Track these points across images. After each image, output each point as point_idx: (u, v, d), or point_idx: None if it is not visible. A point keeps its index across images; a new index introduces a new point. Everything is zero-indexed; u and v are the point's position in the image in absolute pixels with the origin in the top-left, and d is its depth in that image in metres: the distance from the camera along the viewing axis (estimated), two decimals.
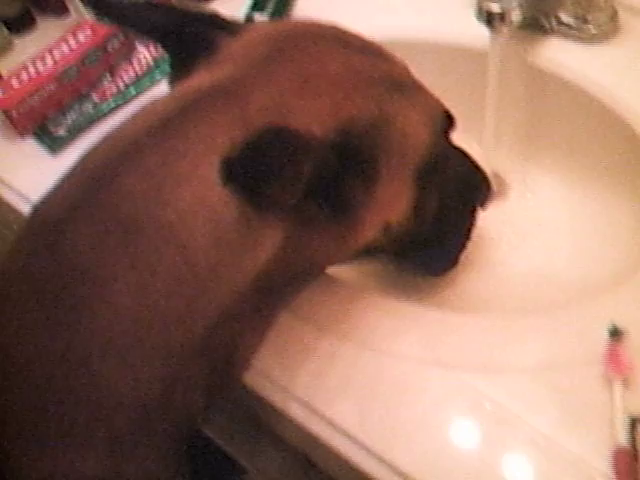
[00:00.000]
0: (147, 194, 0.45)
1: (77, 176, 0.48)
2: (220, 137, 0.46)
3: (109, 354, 0.44)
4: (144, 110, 0.50)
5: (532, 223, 0.79)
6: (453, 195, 0.64)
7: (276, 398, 0.57)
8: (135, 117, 0.50)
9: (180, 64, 0.56)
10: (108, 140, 0.49)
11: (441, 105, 0.60)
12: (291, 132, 0.45)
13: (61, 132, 0.85)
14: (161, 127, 0.47)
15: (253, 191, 0.45)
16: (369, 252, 0.60)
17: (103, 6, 0.58)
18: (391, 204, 0.56)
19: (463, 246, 0.71)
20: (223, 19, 0.58)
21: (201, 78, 0.51)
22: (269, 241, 0.48)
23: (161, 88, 0.86)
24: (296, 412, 0.56)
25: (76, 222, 0.45)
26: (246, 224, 0.46)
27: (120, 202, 0.45)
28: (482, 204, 0.70)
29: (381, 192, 0.53)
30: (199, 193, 0.45)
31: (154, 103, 0.50)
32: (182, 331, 0.46)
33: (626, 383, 0.50)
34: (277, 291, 0.53)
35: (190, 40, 0.55)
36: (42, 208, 0.48)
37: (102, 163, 0.47)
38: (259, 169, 0.43)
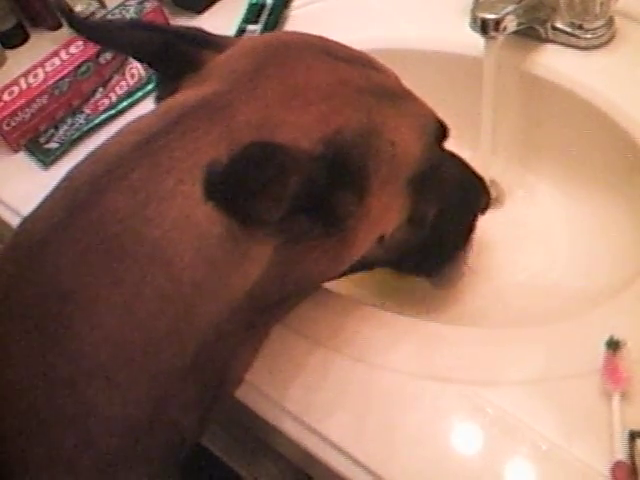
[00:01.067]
0: (131, 211, 0.44)
1: (61, 194, 0.47)
2: (206, 153, 0.45)
3: (95, 376, 0.43)
4: (129, 126, 0.49)
5: (529, 231, 0.79)
6: (451, 203, 0.63)
7: (269, 413, 0.56)
8: (119, 133, 0.49)
9: (166, 81, 0.56)
10: (92, 157, 0.48)
11: (433, 114, 0.59)
12: (276, 147, 0.44)
13: (53, 145, 0.85)
14: (145, 143, 0.46)
15: (236, 208, 0.44)
16: (366, 264, 0.59)
17: (86, 27, 0.58)
18: (384, 215, 0.55)
19: (464, 253, 0.70)
20: (209, 35, 0.58)
21: (186, 94, 0.51)
22: (258, 258, 0.47)
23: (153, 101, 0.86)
24: (289, 427, 0.55)
25: (59, 242, 0.44)
26: (233, 241, 0.45)
27: (104, 220, 0.44)
28: (482, 211, 0.69)
29: (373, 204, 0.52)
30: (184, 210, 0.44)
31: (139, 119, 0.50)
32: (170, 350, 0.45)
33: (625, 396, 0.49)
34: (270, 307, 0.52)
35: (175, 57, 0.55)
36: (26, 227, 0.47)
37: (86, 180, 0.46)
38: (242, 185, 0.42)
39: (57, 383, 0.42)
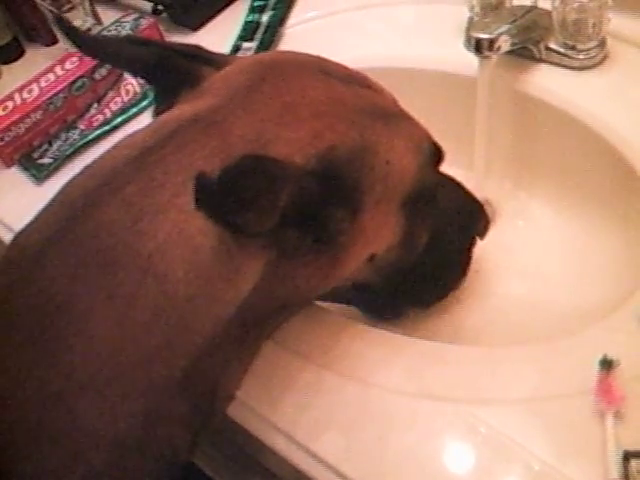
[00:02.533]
0: (125, 224, 0.44)
1: (56, 207, 0.47)
2: (200, 167, 0.45)
3: (86, 389, 0.42)
4: (124, 140, 0.50)
5: (523, 250, 0.79)
6: (447, 226, 0.63)
7: (259, 430, 0.56)
8: (115, 147, 0.49)
9: (163, 97, 0.56)
10: (87, 170, 0.49)
11: (428, 135, 0.59)
12: (268, 159, 0.44)
13: (46, 160, 0.85)
14: (140, 157, 0.46)
15: (226, 217, 0.44)
16: (356, 286, 0.59)
17: (84, 42, 0.59)
18: (376, 234, 0.55)
19: (460, 278, 0.70)
20: (206, 52, 0.58)
21: (182, 108, 0.51)
22: (250, 271, 0.47)
23: (148, 117, 0.86)
24: (280, 445, 0.54)
25: (53, 254, 0.44)
26: (226, 255, 0.45)
27: (98, 233, 0.44)
28: (480, 235, 0.69)
29: (365, 222, 0.52)
30: (178, 223, 0.44)
31: (134, 133, 0.50)
32: (163, 364, 0.45)
33: (619, 415, 0.49)
34: (261, 322, 0.52)
35: (173, 73, 0.55)
36: (20, 240, 0.47)
37: (80, 194, 0.46)
38: (233, 195, 0.42)
39: (48, 396, 0.42)
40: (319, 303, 0.60)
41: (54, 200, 0.48)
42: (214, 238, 0.44)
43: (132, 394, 0.44)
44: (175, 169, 0.45)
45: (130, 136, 0.50)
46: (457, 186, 0.66)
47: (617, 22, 0.73)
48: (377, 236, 0.55)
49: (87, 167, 0.49)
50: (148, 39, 0.59)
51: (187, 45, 0.59)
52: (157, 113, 0.56)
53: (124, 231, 0.44)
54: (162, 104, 0.55)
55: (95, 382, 0.43)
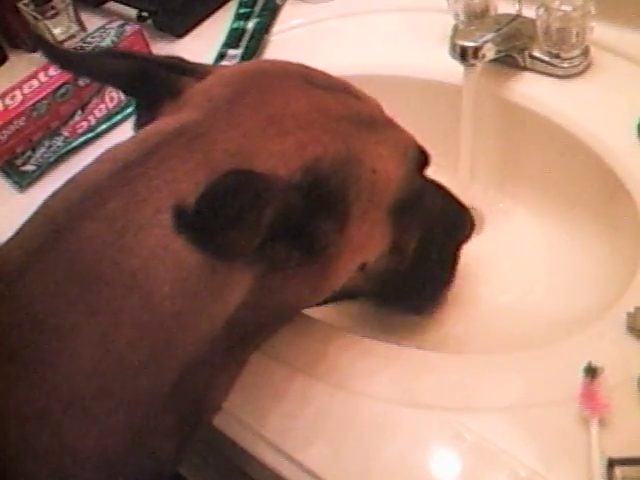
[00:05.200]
0: (108, 240, 0.43)
1: (38, 222, 0.47)
2: (184, 182, 0.44)
3: (70, 407, 0.42)
4: (106, 154, 0.49)
5: (507, 256, 0.79)
6: (434, 232, 0.63)
7: (247, 441, 0.55)
8: (97, 161, 0.48)
9: (145, 108, 0.55)
10: (69, 185, 0.48)
11: (414, 141, 0.59)
12: (252, 175, 0.44)
13: (29, 167, 0.84)
14: (123, 171, 0.45)
15: (207, 241, 0.43)
16: (347, 293, 0.59)
17: (60, 56, 0.58)
18: (365, 243, 0.55)
19: (448, 283, 0.70)
20: (187, 63, 0.58)
21: (164, 121, 0.50)
22: (238, 286, 0.46)
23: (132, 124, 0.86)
24: (268, 456, 0.54)
25: (35, 270, 0.43)
26: (212, 270, 0.44)
27: (81, 249, 0.43)
28: (465, 240, 0.69)
29: (354, 231, 0.52)
30: (162, 239, 0.43)
31: (116, 147, 0.49)
32: (149, 380, 0.44)
33: (603, 422, 0.49)
34: (249, 335, 0.51)
35: (153, 84, 0.55)
36: (1, 255, 0.46)
37: (63, 208, 0.45)
38: (215, 216, 0.41)
39: (31, 415, 0.41)
40: (307, 312, 0.60)
41: (36, 214, 0.47)
42: (199, 253, 0.44)
43: (118, 411, 0.43)
44: (158, 184, 0.44)
45: (113, 149, 0.49)
46: (442, 190, 0.66)
47: (600, 31, 0.74)
48: (366, 245, 0.55)
49: (69, 181, 0.48)
50: (128, 52, 0.59)
51: (168, 57, 0.58)
52: (139, 126, 0.55)
53: (108, 247, 0.43)
54: (144, 117, 0.55)
55: (79, 400, 0.42)
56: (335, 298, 0.57)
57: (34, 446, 0.41)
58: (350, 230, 0.52)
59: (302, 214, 0.47)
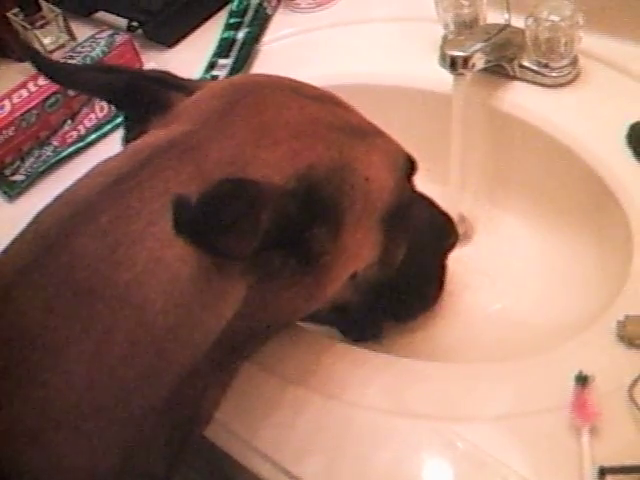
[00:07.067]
0: (101, 254, 0.43)
1: (28, 237, 0.46)
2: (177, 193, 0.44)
3: (62, 425, 0.41)
4: (96, 168, 0.49)
5: (497, 265, 0.79)
6: (420, 241, 0.63)
7: (240, 453, 0.55)
8: (87, 176, 0.48)
9: (133, 123, 0.55)
10: (60, 199, 0.47)
11: (402, 149, 0.59)
12: (247, 182, 0.44)
13: (18, 177, 0.84)
14: (114, 185, 0.45)
15: (206, 242, 0.43)
16: (336, 306, 0.58)
17: (49, 68, 0.58)
18: (358, 251, 0.55)
19: (437, 292, 0.71)
20: (176, 77, 0.58)
21: (155, 135, 0.50)
22: (232, 297, 0.46)
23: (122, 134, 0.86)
24: (261, 468, 0.54)
25: (26, 286, 0.43)
26: (206, 282, 0.44)
27: (72, 264, 0.43)
28: (450, 249, 0.69)
29: (348, 239, 0.52)
30: (155, 252, 0.43)
31: (106, 161, 0.49)
32: (141, 396, 0.44)
33: (594, 431, 0.49)
34: (242, 345, 0.51)
35: (142, 99, 0.54)
36: None
37: (54, 223, 0.45)
38: (213, 219, 0.41)
39: (22, 433, 0.40)
40: (299, 323, 0.60)
41: (27, 230, 0.47)
42: (193, 265, 0.43)
43: (111, 428, 0.43)
44: (151, 196, 0.44)
45: (103, 163, 0.49)
46: (427, 200, 0.67)
47: (588, 41, 0.74)
48: (359, 253, 0.55)
49: (60, 196, 0.47)
50: (116, 66, 0.59)
51: (156, 71, 0.58)
52: (127, 140, 0.55)
53: (100, 261, 0.43)
54: (132, 131, 0.54)
55: (71, 417, 0.41)
56: (326, 313, 0.57)
57: (24, 464, 0.40)
58: (344, 238, 0.52)
59: (297, 221, 0.47)
